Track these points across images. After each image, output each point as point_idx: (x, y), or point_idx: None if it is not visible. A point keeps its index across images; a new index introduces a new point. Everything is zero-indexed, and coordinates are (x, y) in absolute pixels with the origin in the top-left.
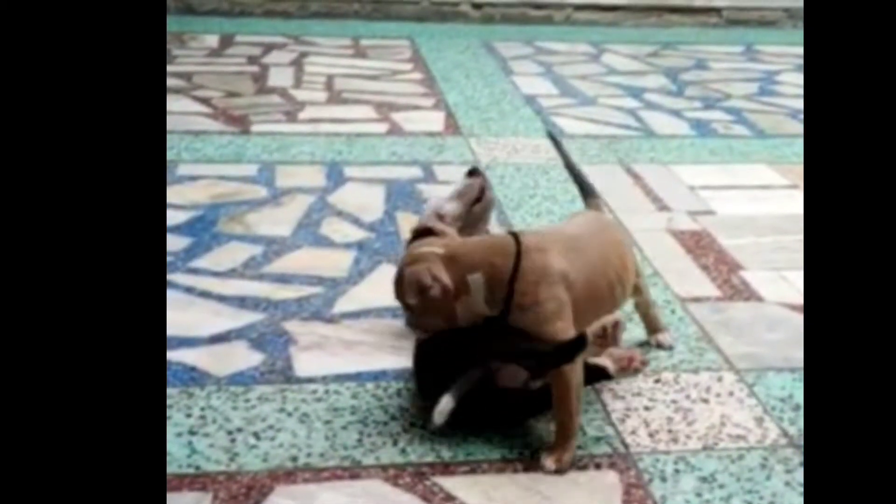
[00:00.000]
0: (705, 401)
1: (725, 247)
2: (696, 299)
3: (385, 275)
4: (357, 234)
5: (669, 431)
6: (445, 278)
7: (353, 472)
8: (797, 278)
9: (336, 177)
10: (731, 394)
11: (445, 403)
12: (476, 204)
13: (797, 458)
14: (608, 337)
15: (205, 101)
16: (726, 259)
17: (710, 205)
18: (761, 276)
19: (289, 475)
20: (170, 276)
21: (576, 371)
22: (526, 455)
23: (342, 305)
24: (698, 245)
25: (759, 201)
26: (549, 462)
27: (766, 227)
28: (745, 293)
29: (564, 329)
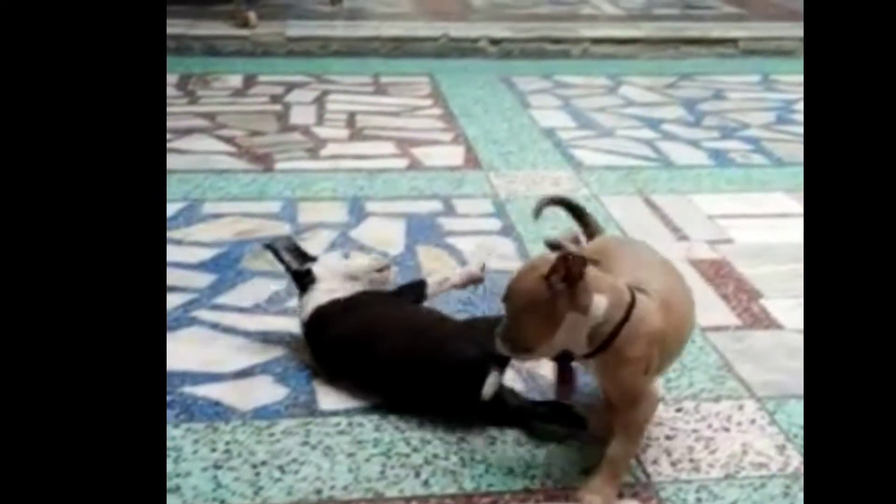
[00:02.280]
0: (727, 429)
1: (745, 275)
2: (716, 328)
3: None
4: None
5: (691, 460)
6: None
7: None
8: None
9: (357, 212)
10: (752, 422)
11: (493, 377)
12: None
13: None
14: None
15: (228, 140)
16: (746, 287)
17: (728, 233)
18: (781, 304)
19: None
20: (195, 313)
21: (649, 406)
22: (549, 485)
23: None
24: (717, 274)
25: (778, 229)
26: (596, 501)
27: (785, 255)
28: (764, 321)
29: (643, 387)
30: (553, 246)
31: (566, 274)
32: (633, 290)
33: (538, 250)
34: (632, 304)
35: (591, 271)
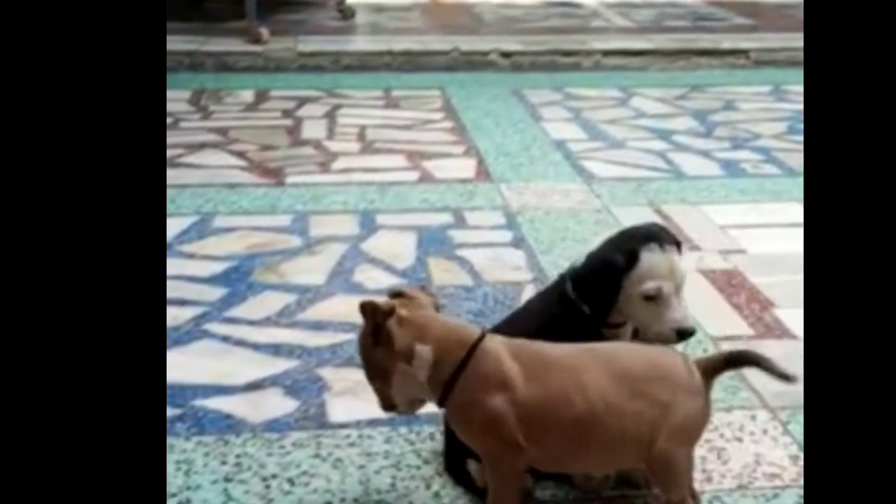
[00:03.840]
0: (739, 439)
1: (757, 285)
2: (729, 338)
3: None
4: (389, 280)
5: (704, 471)
6: (393, 325)
7: None
8: None
9: (368, 225)
10: (765, 432)
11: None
12: None
13: None
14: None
15: (240, 154)
16: (758, 297)
17: (740, 244)
18: (794, 313)
19: None
20: (206, 326)
21: (506, 481)
22: (560, 496)
23: None
24: (730, 284)
25: (790, 239)
26: None
27: (797, 264)
28: (777, 331)
29: (497, 446)
30: (393, 294)
31: (372, 326)
32: (489, 338)
33: (549, 262)
34: (473, 348)
35: (417, 319)
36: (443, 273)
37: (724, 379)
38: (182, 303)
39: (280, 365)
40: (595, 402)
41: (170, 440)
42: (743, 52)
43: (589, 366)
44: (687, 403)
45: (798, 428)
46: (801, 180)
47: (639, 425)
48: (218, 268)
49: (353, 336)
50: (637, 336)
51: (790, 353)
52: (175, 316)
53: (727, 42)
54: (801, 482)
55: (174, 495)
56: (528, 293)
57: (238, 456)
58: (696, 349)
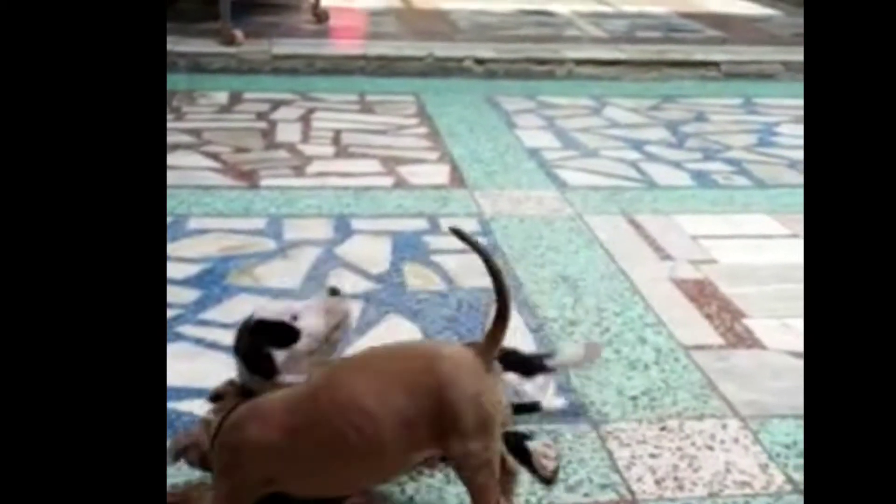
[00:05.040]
0: (710, 448)
1: (728, 295)
2: (700, 347)
3: (392, 325)
4: (364, 285)
5: (675, 479)
6: None
7: None
8: (800, 326)
9: (343, 229)
10: (735, 440)
11: None
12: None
13: None
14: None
15: (214, 156)
16: (729, 307)
17: (711, 254)
18: (764, 324)
19: None
20: (180, 328)
21: None
22: (532, 502)
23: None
24: (701, 293)
25: (761, 250)
26: None
27: (768, 275)
28: (748, 341)
29: None
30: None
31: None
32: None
33: (522, 268)
34: (217, 430)
35: None
36: (417, 279)
37: (695, 387)
38: None
39: None
40: (349, 412)
41: None
42: (714, 65)
43: (346, 373)
44: (466, 389)
45: (768, 437)
46: (770, 192)
47: (402, 423)
48: (192, 270)
49: None
50: None
51: (761, 364)
52: None
53: (698, 54)
54: (771, 490)
55: None
56: None
57: None
58: (668, 357)
